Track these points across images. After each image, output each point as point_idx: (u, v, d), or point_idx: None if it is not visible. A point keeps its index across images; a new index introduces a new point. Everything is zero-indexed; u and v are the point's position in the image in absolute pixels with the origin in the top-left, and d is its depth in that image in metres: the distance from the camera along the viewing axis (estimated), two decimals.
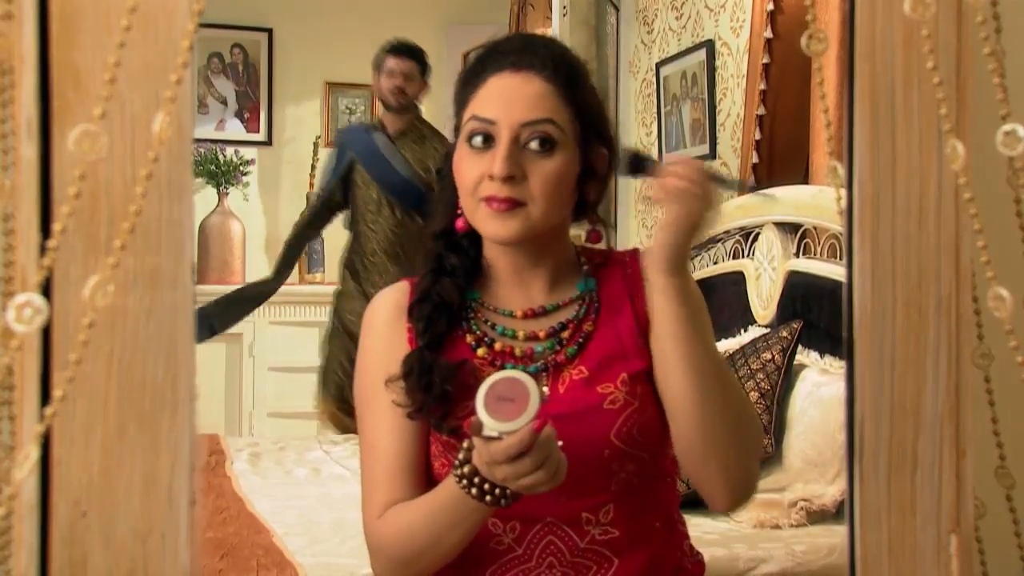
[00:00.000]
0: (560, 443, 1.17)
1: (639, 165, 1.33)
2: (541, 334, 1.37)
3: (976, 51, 0.82)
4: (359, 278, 4.25)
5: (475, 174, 1.31)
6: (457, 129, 1.38)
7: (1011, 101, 0.81)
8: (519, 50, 1.36)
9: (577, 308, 1.38)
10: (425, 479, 1.36)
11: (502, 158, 1.29)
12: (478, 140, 1.32)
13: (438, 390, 1.30)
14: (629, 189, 4.72)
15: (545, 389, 1.32)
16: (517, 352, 1.36)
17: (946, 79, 0.81)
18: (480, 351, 1.35)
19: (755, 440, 1.37)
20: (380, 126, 4.33)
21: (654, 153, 4.47)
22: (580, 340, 1.36)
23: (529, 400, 1.12)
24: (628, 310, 1.38)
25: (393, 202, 4.21)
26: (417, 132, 4.29)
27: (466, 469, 1.19)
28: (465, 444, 1.18)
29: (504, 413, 1.12)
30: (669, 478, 1.39)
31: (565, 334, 1.37)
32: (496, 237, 1.33)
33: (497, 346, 1.36)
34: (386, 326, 1.40)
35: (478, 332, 1.37)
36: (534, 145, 1.30)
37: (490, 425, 1.12)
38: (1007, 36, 0.87)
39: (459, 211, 1.37)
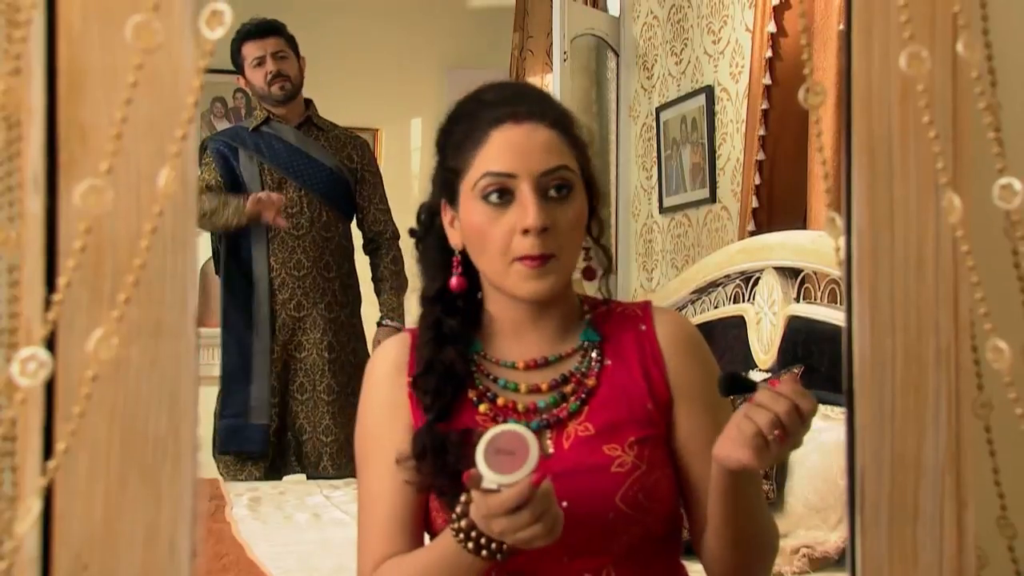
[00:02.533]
0: (564, 504, 1.17)
1: (738, 387, 1.24)
2: (544, 386, 1.35)
3: (972, 105, 0.83)
4: (275, 302, 3.64)
5: (502, 231, 1.29)
6: (445, 181, 1.36)
7: (1007, 154, 0.82)
8: (512, 101, 1.34)
9: (580, 359, 1.37)
10: (422, 533, 1.35)
11: (536, 209, 1.27)
12: (495, 196, 1.29)
13: (452, 470, 1.26)
14: (630, 232, 4.74)
15: (548, 442, 1.32)
16: (520, 407, 1.34)
17: (942, 133, 0.82)
18: (482, 407, 1.33)
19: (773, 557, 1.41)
20: (272, 117, 3.74)
21: (655, 196, 4.49)
22: (583, 396, 1.34)
23: (529, 454, 1.12)
24: (640, 377, 1.36)
25: (320, 201, 3.68)
26: (320, 119, 3.83)
27: (463, 523, 1.18)
28: (463, 498, 1.18)
29: (504, 466, 1.12)
30: (673, 537, 1.38)
31: (568, 388, 1.35)
32: (534, 295, 1.30)
33: (500, 401, 1.34)
34: (386, 380, 1.38)
35: (480, 387, 1.35)
36: (553, 192, 1.29)
37: (489, 478, 1.12)
38: (1003, 89, 0.88)
39: (455, 270, 1.35)
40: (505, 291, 1.33)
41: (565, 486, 1.20)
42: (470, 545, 1.18)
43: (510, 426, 1.16)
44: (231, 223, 3.56)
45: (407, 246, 4.13)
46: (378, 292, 3.85)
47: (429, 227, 1.40)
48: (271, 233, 3.63)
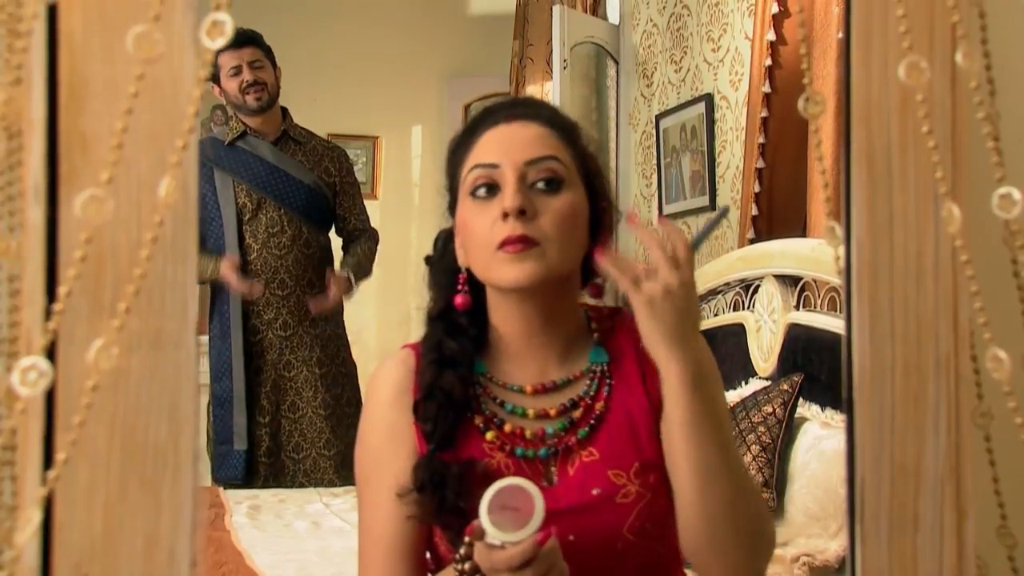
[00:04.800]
0: (571, 538, 1.16)
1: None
2: (552, 412, 1.32)
3: (971, 115, 0.83)
4: (258, 319, 3.60)
5: (486, 222, 1.27)
6: (453, 199, 1.36)
7: (1006, 164, 0.82)
8: (510, 106, 1.36)
9: (588, 383, 1.34)
10: (424, 559, 1.33)
11: (513, 192, 1.26)
12: (482, 191, 1.29)
13: (451, 505, 1.25)
14: (630, 240, 4.74)
15: (554, 470, 1.30)
16: (528, 434, 1.31)
17: (941, 143, 0.82)
18: (489, 435, 1.31)
19: (765, 542, 1.28)
20: (248, 131, 3.69)
21: (654, 204, 4.49)
22: (592, 422, 1.32)
23: (534, 510, 1.11)
24: (640, 390, 1.33)
25: (300, 220, 3.64)
26: (297, 131, 3.76)
27: (467, 566, 1.17)
28: (467, 539, 1.16)
29: (508, 522, 1.11)
30: (677, 555, 1.34)
31: (576, 413, 1.32)
32: (515, 282, 1.26)
33: (507, 428, 1.31)
34: (388, 404, 1.35)
35: (487, 412, 1.32)
36: (541, 185, 1.28)
37: (493, 534, 1.11)
38: (1001, 98, 0.88)
39: (459, 288, 1.34)
40: (493, 285, 1.31)
41: (571, 521, 1.19)
42: None
43: (516, 481, 1.14)
44: (203, 278, 3.57)
45: (402, 256, 4.10)
46: (344, 255, 3.82)
47: (443, 252, 1.40)
48: (251, 255, 3.61)
